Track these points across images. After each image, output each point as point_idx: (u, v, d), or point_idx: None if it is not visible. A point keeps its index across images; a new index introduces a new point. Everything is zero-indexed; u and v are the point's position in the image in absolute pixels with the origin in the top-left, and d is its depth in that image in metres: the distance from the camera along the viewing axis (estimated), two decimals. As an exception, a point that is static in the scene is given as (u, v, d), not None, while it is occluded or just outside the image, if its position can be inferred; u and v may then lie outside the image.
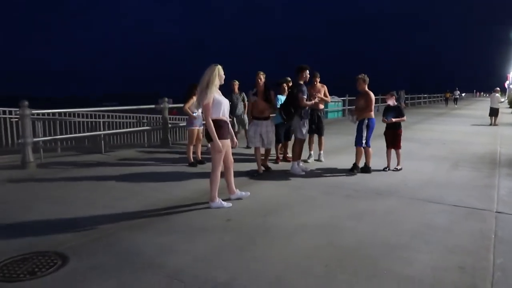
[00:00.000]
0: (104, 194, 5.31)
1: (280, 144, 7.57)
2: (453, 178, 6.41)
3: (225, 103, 4.68)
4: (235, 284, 2.90)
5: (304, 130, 6.64)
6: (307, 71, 6.60)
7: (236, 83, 8.86)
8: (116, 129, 10.17)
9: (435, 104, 38.62)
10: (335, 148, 9.07)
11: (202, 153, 7.64)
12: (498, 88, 17.97)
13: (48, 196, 5.24)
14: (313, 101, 6.66)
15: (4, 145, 8.93)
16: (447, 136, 12.13)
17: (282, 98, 7.19)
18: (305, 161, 7.40)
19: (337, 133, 11.44)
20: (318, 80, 7.44)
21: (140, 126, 10.53)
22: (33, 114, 7.20)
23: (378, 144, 7.45)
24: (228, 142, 4.73)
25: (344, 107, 20.41)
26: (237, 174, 5.39)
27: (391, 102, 7.16)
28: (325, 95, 7.52)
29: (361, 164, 6.72)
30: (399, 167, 6.97)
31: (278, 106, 7.02)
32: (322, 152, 7.81)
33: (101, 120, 9.61)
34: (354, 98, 8.30)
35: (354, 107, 6.90)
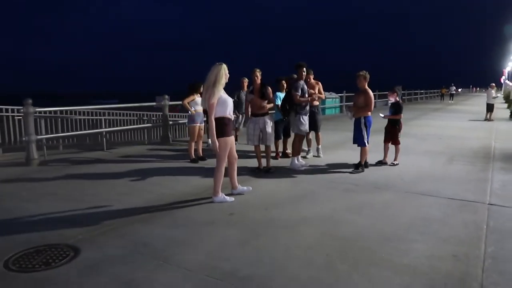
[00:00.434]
0: (109, 190, 5.45)
1: (280, 140, 7.73)
2: (448, 172, 6.59)
3: (230, 102, 4.84)
4: (240, 274, 3.05)
5: (302, 126, 6.77)
6: (304, 68, 6.75)
7: (246, 80, 8.94)
8: (117, 126, 10.29)
9: (431, 100, 38.82)
10: (333, 143, 9.24)
11: (202, 149, 7.79)
12: (494, 84, 18.19)
13: (54, 192, 5.38)
14: (307, 98, 6.72)
15: (6, 143, 9.04)
16: (443, 131, 12.31)
17: (281, 95, 7.34)
18: (304, 157, 7.56)
19: (335, 129, 11.59)
20: (312, 77, 7.56)
21: (141, 124, 10.65)
22: (36, 112, 7.32)
23: (375, 139, 7.62)
24: (232, 138, 4.88)
25: (341, 103, 20.57)
26: (239, 170, 5.53)
27: (393, 98, 7.35)
28: (319, 92, 7.65)
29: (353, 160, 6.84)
30: (396, 162, 7.15)
31: (277, 103, 7.18)
32: (320, 147, 7.96)
33: (103, 117, 9.72)
34: (352, 94, 8.42)
35: (352, 103, 6.93)
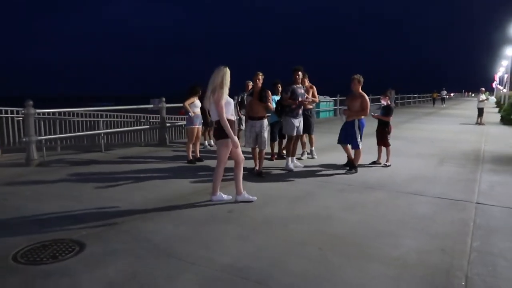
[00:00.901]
0: (110, 189, 5.59)
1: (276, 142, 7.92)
2: (439, 174, 6.81)
3: (232, 104, 5.00)
4: (239, 266, 3.22)
5: (289, 128, 6.95)
6: (299, 72, 6.94)
7: (250, 83, 9.07)
8: (114, 128, 10.42)
9: (423, 104, 39.31)
10: (328, 145, 9.43)
11: (199, 151, 7.96)
12: (483, 89, 18.57)
13: (56, 191, 5.51)
14: (296, 101, 6.84)
15: (5, 144, 9.13)
16: (435, 134, 12.58)
17: (276, 98, 7.53)
18: (299, 158, 7.75)
19: (329, 132, 11.79)
20: (307, 81, 7.74)
21: (138, 125, 10.79)
22: (38, 114, 7.44)
23: (368, 141, 7.83)
24: (235, 139, 4.95)
25: (335, 107, 20.83)
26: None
27: (384, 101, 7.61)
28: (313, 95, 7.84)
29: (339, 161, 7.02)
30: (388, 163, 7.36)
31: (273, 106, 7.37)
32: (313, 148, 8.16)
33: (101, 119, 9.84)
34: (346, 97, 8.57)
35: (346, 106, 7.06)
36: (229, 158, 5.00)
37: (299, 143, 7.49)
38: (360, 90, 6.81)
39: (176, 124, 11.35)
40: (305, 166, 7.26)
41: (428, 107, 33.32)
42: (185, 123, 11.22)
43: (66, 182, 6.04)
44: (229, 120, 4.86)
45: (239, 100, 8.48)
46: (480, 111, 16.96)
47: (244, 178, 6.15)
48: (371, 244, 3.70)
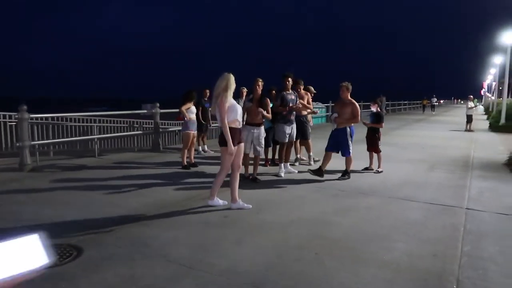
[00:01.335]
0: (105, 195, 5.60)
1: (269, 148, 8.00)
2: (429, 179, 6.93)
3: (239, 110, 4.98)
4: (237, 270, 3.27)
5: (285, 135, 7.04)
6: (289, 78, 7.05)
7: (245, 90, 9.16)
8: (107, 133, 10.41)
9: (414, 111, 39.73)
10: (320, 151, 9.49)
11: (194, 156, 8.00)
12: (472, 96, 18.96)
13: (51, 196, 5.51)
14: (285, 108, 6.94)
15: (-2, 148, 9.08)
16: (425, 141, 12.77)
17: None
18: (292, 164, 7.83)
19: (322, 138, 11.80)
20: (302, 87, 7.83)
21: (131, 131, 10.80)
22: (31, 118, 7.43)
23: (359, 148, 7.95)
24: (240, 146, 5.00)
25: (327, 113, 21.00)
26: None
27: (374, 108, 7.75)
28: (308, 102, 7.93)
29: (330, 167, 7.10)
30: (380, 170, 7.47)
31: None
32: (311, 154, 8.24)
33: (95, 124, 9.83)
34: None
35: (336, 113, 6.94)
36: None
37: (292, 149, 7.58)
38: (349, 97, 6.87)
39: (170, 129, 11.39)
40: (299, 172, 7.34)
41: (418, 113, 33.73)
42: (179, 128, 11.25)
43: (61, 187, 6.03)
44: (233, 128, 4.84)
45: None
46: (469, 118, 17.25)
47: (239, 184, 6.23)
48: (365, 249, 3.77)
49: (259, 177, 6.66)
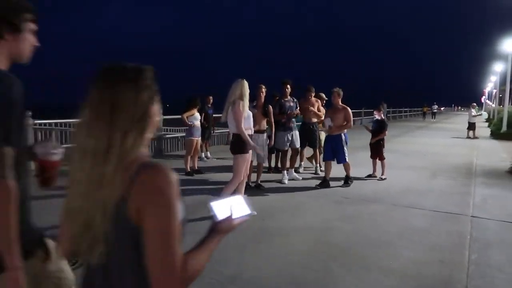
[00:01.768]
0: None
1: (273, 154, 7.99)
2: (432, 187, 6.93)
3: (251, 117, 5.02)
4: (244, 277, 3.26)
5: (285, 142, 7.05)
6: (288, 85, 7.06)
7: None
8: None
9: (414, 118, 39.79)
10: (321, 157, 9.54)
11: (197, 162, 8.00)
12: (475, 104, 19.01)
13: (56, 203, 5.49)
14: (285, 116, 6.96)
15: None
16: (427, 148, 12.76)
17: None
18: (296, 170, 7.80)
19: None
20: (313, 94, 7.73)
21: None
22: (34, 124, 7.45)
23: (363, 154, 7.95)
24: (249, 155, 4.98)
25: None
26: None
27: (378, 116, 7.76)
28: (318, 109, 7.80)
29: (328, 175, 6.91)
30: (383, 177, 7.46)
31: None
32: (317, 165, 7.95)
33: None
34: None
35: (329, 118, 6.82)
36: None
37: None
38: (341, 103, 6.87)
39: (173, 136, 11.40)
40: (303, 179, 7.33)
41: (419, 121, 33.76)
42: (181, 134, 11.23)
43: (62, 193, 6.02)
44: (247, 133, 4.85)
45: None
46: (472, 126, 17.25)
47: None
48: (372, 256, 3.76)
49: (262, 184, 6.66)
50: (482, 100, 60.38)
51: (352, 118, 6.89)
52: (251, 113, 5.03)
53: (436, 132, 20.75)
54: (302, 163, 8.27)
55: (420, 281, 3.24)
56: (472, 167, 9.15)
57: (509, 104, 21.32)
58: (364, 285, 3.16)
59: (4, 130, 1.32)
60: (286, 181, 6.97)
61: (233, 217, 1.19)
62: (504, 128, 18.48)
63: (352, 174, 6.97)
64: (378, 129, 7.70)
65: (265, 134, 6.58)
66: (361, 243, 4.09)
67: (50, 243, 1.53)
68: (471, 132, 17.19)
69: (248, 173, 6.52)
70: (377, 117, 7.83)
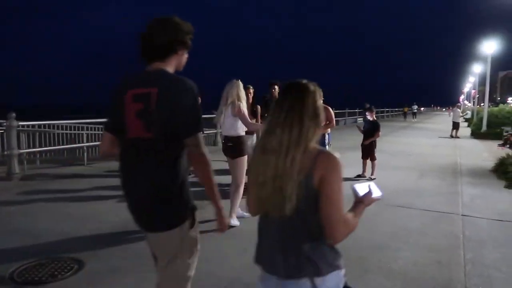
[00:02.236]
0: (101, 205, 5.47)
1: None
2: (421, 186, 7.03)
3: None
4: (245, 281, 3.23)
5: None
6: (275, 86, 7.02)
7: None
8: (95, 141, 10.21)
9: (396, 118, 40.41)
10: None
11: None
12: (459, 104, 19.48)
13: (43, 207, 5.35)
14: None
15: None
16: (412, 148, 12.97)
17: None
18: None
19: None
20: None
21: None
22: (18, 126, 7.24)
23: (352, 155, 8.02)
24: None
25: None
26: (225, 185, 5.70)
27: (370, 117, 7.85)
28: (328, 119, 7.69)
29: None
30: (373, 177, 7.54)
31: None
32: None
33: (84, 132, 9.62)
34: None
35: None
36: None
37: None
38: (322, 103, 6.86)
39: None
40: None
41: (401, 121, 34.31)
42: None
43: (53, 197, 5.87)
44: (244, 136, 4.78)
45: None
46: (457, 125, 17.66)
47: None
48: (371, 257, 3.78)
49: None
50: (460, 100, 61.79)
51: (334, 118, 6.85)
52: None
53: (419, 132, 21.13)
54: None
55: (422, 282, 3.28)
56: (457, 167, 9.34)
57: (489, 106, 21.84)
58: None
59: (199, 120, 1.82)
60: None
61: (372, 195, 1.61)
62: (484, 127, 18.96)
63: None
64: (371, 130, 7.78)
65: (254, 135, 6.52)
66: (359, 245, 4.08)
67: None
68: (454, 131, 17.60)
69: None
70: (369, 118, 7.91)
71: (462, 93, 62.35)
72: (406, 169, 8.80)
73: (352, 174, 7.64)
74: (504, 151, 11.49)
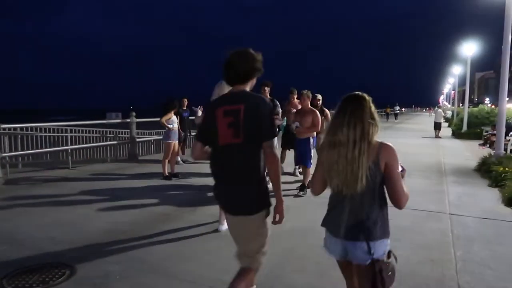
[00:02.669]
0: (88, 209, 5.37)
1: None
2: (408, 186, 7.10)
3: None
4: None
5: None
6: (265, 87, 6.84)
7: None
8: (79, 144, 10.03)
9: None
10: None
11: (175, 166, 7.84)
12: (440, 104, 19.88)
13: (30, 211, 5.22)
14: None
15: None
16: (396, 148, 13.08)
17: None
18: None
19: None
20: (296, 96, 7.64)
21: (105, 141, 10.45)
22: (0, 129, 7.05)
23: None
24: None
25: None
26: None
27: None
28: (313, 123, 7.41)
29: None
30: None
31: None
32: (296, 166, 7.87)
33: (69, 134, 9.42)
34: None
35: (297, 123, 6.51)
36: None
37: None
38: (310, 106, 6.61)
39: (146, 139, 11.15)
40: (283, 182, 7.30)
41: (383, 121, 34.76)
42: (155, 138, 11.02)
43: (38, 201, 5.73)
44: None
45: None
46: (439, 125, 18.03)
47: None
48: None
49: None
50: (440, 101, 63.04)
51: (319, 122, 6.48)
52: None
53: (402, 132, 21.45)
54: (282, 165, 8.27)
55: (416, 281, 3.32)
56: (441, 166, 9.51)
57: (468, 106, 22.33)
58: None
59: (274, 128, 2.36)
60: (270, 184, 6.90)
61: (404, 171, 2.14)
62: (464, 127, 19.37)
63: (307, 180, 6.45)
64: None
65: None
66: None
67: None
68: (436, 131, 17.96)
69: None
70: None
71: (442, 93, 63.66)
72: (392, 169, 8.91)
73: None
74: (485, 151, 11.78)
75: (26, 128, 8.94)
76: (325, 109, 7.73)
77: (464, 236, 4.49)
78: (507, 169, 7.29)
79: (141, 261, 3.63)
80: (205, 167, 6.09)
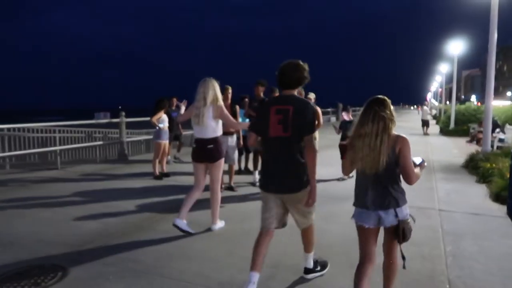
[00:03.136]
0: (79, 209, 5.32)
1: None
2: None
3: None
4: (237, 282, 3.22)
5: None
6: (259, 87, 6.97)
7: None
8: (68, 144, 9.93)
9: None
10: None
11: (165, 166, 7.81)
12: (427, 102, 20.15)
13: (19, 213, 5.16)
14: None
15: None
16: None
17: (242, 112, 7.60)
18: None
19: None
20: (277, 95, 7.77)
21: (93, 141, 10.36)
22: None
23: (331, 153, 8.10)
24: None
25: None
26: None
27: (347, 117, 7.94)
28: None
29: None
30: (351, 175, 7.64)
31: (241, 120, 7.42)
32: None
33: (57, 135, 9.31)
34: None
35: None
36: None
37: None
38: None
39: (135, 139, 11.08)
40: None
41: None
42: (145, 137, 10.95)
43: (28, 203, 5.65)
44: (219, 137, 4.56)
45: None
46: (426, 123, 18.25)
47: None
48: (355, 251, 3.80)
49: (234, 186, 6.63)
50: (427, 98, 63.68)
51: (319, 120, 6.48)
52: None
53: (390, 130, 21.65)
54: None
55: (408, 276, 3.36)
56: (430, 163, 9.61)
57: (456, 104, 22.63)
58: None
59: (314, 125, 2.97)
60: (256, 180, 6.98)
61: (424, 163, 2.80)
62: (452, 125, 19.63)
63: (320, 173, 6.82)
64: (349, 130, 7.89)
65: (234, 136, 6.51)
66: (343, 241, 4.18)
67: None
68: (424, 128, 18.18)
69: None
70: (346, 118, 7.99)
71: (429, 91, 64.40)
72: (381, 166, 8.99)
73: (331, 173, 7.62)
74: (472, 147, 11.96)
75: (13, 128, 8.81)
76: (317, 108, 7.74)
77: (453, 231, 4.57)
78: (494, 165, 7.42)
79: (134, 262, 3.62)
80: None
